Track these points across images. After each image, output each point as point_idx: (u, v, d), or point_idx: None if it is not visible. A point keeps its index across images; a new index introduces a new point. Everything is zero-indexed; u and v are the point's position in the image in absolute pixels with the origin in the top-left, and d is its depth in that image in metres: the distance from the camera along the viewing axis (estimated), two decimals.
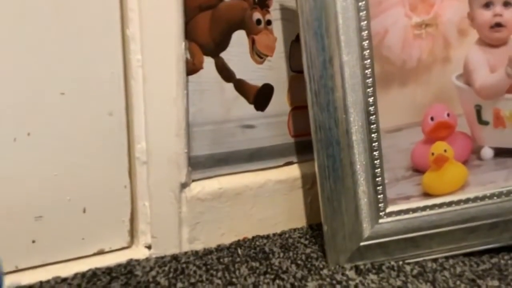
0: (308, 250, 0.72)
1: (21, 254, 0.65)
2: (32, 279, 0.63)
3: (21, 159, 0.64)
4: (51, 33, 0.63)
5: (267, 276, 0.66)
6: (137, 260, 0.69)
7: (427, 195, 0.70)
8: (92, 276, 0.65)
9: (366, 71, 0.67)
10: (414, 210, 0.69)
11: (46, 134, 0.64)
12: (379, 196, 0.69)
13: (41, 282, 0.63)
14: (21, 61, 0.62)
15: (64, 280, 0.64)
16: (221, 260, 0.69)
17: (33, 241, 0.65)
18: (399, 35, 0.69)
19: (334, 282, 0.64)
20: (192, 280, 0.65)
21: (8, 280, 0.63)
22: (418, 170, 0.71)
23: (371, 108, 0.68)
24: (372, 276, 0.65)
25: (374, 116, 0.68)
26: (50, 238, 0.66)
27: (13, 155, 0.63)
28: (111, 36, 0.67)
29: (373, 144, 0.68)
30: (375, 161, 0.68)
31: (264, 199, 0.77)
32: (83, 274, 0.65)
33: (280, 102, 0.78)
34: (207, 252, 0.72)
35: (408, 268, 0.67)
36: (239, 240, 0.75)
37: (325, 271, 0.66)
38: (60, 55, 0.64)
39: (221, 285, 0.64)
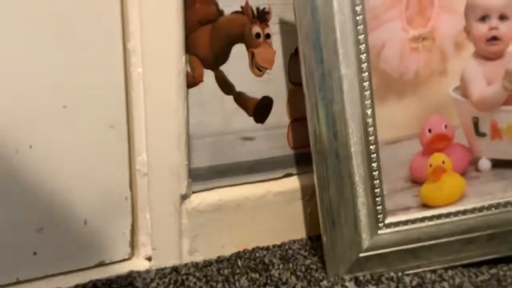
0: (307, 261, 0.72)
1: (22, 266, 0.65)
2: None
3: (23, 171, 0.64)
4: (53, 46, 0.64)
5: (267, 287, 0.66)
6: (137, 272, 0.69)
7: (425, 206, 0.71)
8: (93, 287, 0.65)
9: (364, 83, 0.68)
10: (413, 221, 0.70)
11: (48, 146, 0.65)
12: (378, 207, 0.69)
13: None
14: (23, 75, 0.63)
15: None
16: (221, 271, 0.70)
17: (34, 253, 0.65)
18: (396, 48, 0.70)
19: None
20: None
21: None
22: (417, 182, 0.71)
23: (369, 120, 0.68)
24: (371, 287, 0.65)
25: (372, 128, 0.68)
26: (51, 250, 0.66)
27: (15, 167, 0.63)
28: (113, 50, 0.67)
29: (372, 156, 0.69)
30: (374, 173, 0.69)
31: (264, 211, 0.77)
32: (83, 286, 0.65)
33: (279, 114, 0.78)
34: (207, 263, 0.72)
35: (407, 279, 0.67)
36: (239, 252, 0.75)
37: (324, 283, 0.67)
38: (62, 68, 0.65)
39: None
